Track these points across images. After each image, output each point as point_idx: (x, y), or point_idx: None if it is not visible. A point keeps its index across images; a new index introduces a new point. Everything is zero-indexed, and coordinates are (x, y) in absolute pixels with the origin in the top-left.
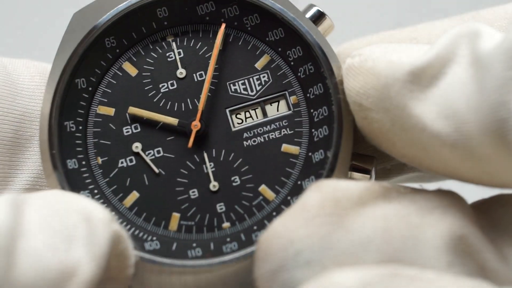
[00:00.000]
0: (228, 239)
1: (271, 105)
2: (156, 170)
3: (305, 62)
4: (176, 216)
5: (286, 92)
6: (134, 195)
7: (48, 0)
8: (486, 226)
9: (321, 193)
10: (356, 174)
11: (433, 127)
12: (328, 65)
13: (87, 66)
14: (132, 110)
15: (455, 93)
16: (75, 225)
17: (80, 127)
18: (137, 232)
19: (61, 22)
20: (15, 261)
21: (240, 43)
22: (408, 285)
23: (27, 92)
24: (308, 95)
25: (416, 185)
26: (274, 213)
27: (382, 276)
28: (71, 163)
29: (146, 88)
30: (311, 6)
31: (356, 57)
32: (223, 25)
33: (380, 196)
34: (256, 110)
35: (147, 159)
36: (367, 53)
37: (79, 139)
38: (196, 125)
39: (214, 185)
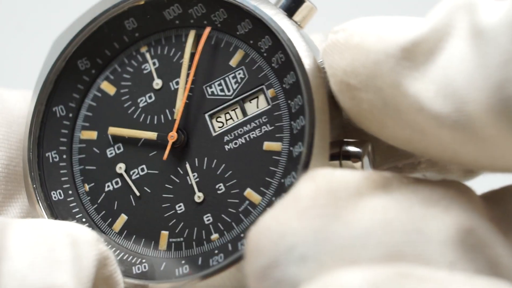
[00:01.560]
0: (216, 251)
1: (250, 102)
2: (137, 193)
3: (276, 51)
4: (164, 234)
5: (263, 86)
6: (123, 218)
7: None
8: (497, 218)
9: (315, 183)
10: (346, 162)
11: (431, 107)
12: (295, 50)
13: (63, 92)
14: (112, 130)
15: (455, 69)
16: (60, 248)
17: (64, 156)
18: (126, 256)
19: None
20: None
21: (212, 42)
22: (418, 286)
23: (23, 120)
24: (284, 85)
25: (419, 175)
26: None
27: (391, 276)
28: (56, 195)
29: (125, 106)
30: None
31: (339, 33)
32: (208, 29)
33: (379, 187)
34: (236, 110)
35: (129, 180)
36: (352, 28)
37: (64, 168)
38: (172, 136)
39: (198, 196)
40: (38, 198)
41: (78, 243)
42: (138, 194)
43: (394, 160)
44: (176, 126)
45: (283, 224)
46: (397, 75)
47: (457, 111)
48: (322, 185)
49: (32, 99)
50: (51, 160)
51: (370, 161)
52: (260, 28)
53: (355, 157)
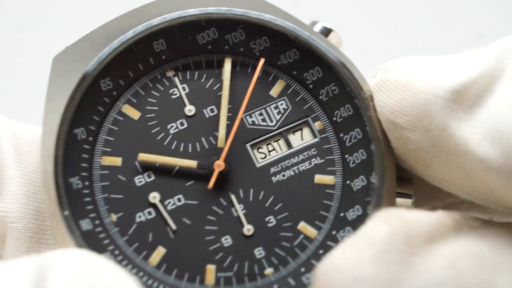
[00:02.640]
0: (275, 286)
1: (294, 134)
2: (174, 226)
3: (327, 83)
4: (211, 268)
5: (309, 118)
6: (160, 252)
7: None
8: None
9: (390, 226)
10: (399, 200)
11: (478, 150)
12: (356, 82)
13: (84, 113)
14: (142, 156)
15: (503, 113)
16: None
17: (87, 183)
18: None
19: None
20: None
21: (249, 71)
22: None
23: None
24: (334, 118)
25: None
26: (321, 251)
27: None
28: (84, 224)
29: (153, 131)
30: (315, 22)
31: (388, 71)
32: (262, 60)
33: (450, 231)
34: (279, 141)
35: (164, 211)
36: (402, 67)
37: (87, 196)
38: (219, 165)
39: (248, 229)
40: (72, 228)
41: None
42: (174, 227)
43: (437, 200)
44: (224, 155)
45: (356, 267)
46: (445, 116)
47: (505, 155)
48: (397, 228)
49: (46, 120)
50: (74, 187)
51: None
52: (311, 59)
53: (407, 195)
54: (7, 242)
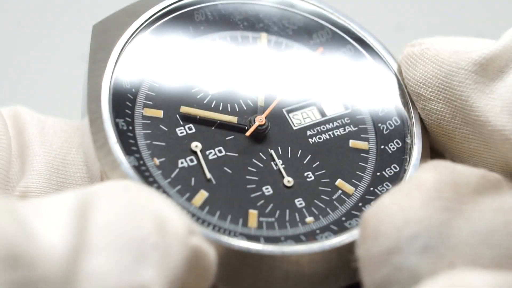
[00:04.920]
0: (318, 231)
1: (326, 105)
2: (214, 175)
3: (358, 60)
4: (253, 213)
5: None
6: (203, 194)
7: None
8: None
9: (439, 174)
10: None
11: (496, 121)
12: (387, 55)
13: (128, 65)
14: (185, 109)
15: None
16: (147, 238)
17: (130, 127)
18: (215, 229)
19: None
20: (78, 285)
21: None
22: None
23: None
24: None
25: None
26: (360, 204)
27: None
28: (131, 160)
29: (193, 91)
30: None
31: (416, 46)
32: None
33: (493, 187)
34: (313, 110)
35: (206, 161)
36: (429, 42)
37: (131, 139)
38: (261, 119)
39: (288, 181)
40: (119, 160)
41: (168, 232)
42: (215, 175)
43: None
44: (267, 112)
45: (407, 211)
46: (467, 87)
47: None
48: (446, 177)
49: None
50: (120, 127)
51: None
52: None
53: None
54: None
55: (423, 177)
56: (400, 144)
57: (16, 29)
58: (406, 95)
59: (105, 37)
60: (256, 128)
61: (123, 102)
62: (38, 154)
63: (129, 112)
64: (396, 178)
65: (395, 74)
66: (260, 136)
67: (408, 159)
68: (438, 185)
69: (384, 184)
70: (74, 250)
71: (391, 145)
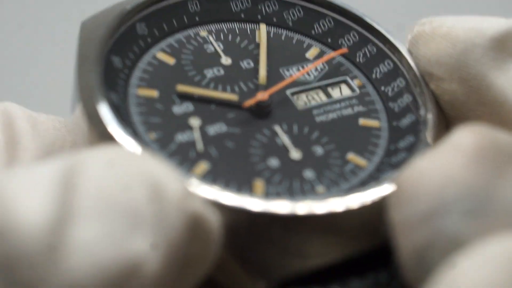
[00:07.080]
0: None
1: (332, 89)
2: (208, 149)
3: (364, 45)
4: (260, 182)
5: (347, 77)
6: (203, 165)
7: None
8: None
9: (477, 137)
10: None
11: None
12: (388, 40)
13: (122, 46)
14: (182, 87)
15: None
16: (140, 204)
17: (124, 110)
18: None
19: None
20: (63, 257)
21: (282, 39)
22: None
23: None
24: (373, 75)
25: None
26: (377, 173)
27: None
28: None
29: (190, 74)
30: None
31: (426, 24)
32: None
33: None
34: (319, 93)
35: (196, 135)
36: (440, 20)
37: (125, 116)
38: (263, 95)
39: (296, 152)
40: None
41: (163, 198)
42: (218, 148)
43: None
44: (271, 91)
45: (447, 171)
46: (483, 66)
47: None
48: (484, 140)
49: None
50: (114, 100)
51: None
52: (344, 24)
53: None
54: None
55: (461, 138)
56: (414, 118)
57: (4, 27)
58: (417, 74)
59: (94, 33)
60: (258, 104)
61: (115, 80)
62: (28, 148)
63: (122, 90)
64: (413, 149)
65: (403, 55)
66: (262, 113)
67: (424, 129)
68: (477, 148)
69: (400, 155)
70: (58, 219)
71: (404, 120)
